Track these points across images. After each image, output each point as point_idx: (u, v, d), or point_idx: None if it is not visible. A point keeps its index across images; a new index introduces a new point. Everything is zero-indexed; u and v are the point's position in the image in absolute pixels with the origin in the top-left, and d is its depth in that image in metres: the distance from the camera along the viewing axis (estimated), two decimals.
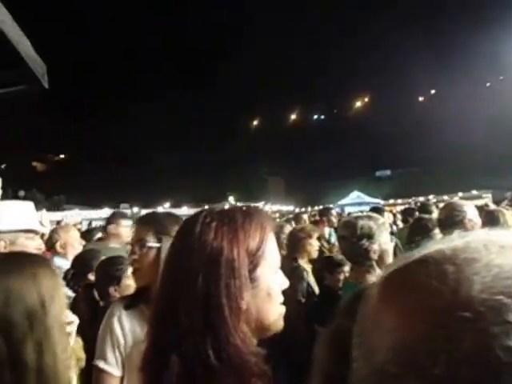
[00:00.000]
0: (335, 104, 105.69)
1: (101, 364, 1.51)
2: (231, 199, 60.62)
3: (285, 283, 0.94)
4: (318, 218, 7.37)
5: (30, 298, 1.04)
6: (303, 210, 26.80)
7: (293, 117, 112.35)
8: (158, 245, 1.54)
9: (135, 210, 35.66)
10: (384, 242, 2.08)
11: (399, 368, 0.35)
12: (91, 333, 2.01)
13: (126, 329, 1.53)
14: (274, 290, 0.90)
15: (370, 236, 2.07)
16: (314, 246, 3.85)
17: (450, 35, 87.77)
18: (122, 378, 1.53)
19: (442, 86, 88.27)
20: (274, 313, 0.91)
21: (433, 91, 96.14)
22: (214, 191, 67.30)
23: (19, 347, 0.99)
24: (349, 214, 10.28)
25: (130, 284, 2.63)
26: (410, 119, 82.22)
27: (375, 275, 2.03)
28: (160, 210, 35.95)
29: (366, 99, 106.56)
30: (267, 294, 0.89)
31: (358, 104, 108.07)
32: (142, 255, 1.54)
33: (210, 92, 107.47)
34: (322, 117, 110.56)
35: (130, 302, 1.59)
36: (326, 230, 6.04)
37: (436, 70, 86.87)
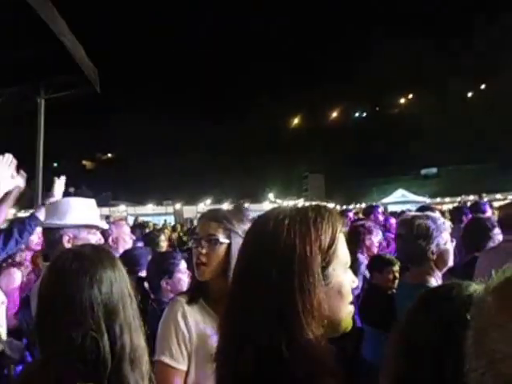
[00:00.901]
0: (377, 101, 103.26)
1: (166, 359, 1.53)
2: (271, 196, 60.72)
3: (355, 281, 0.93)
4: (361, 215, 7.25)
5: (123, 287, 1.18)
6: (350, 207, 26.23)
7: (334, 114, 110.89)
8: (228, 241, 1.57)
9: (177, 206, 36.53)
10: (443, 242, 2.01)
11: None
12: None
13: (189, 324, 1.56)
14: (345, 288, 0.90)
15: (427, 236, 2.00)
16: (373, 241, 3.86)
17: (500, 27, 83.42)
18: (186, 373, 1.55)
19: (492, 81, 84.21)
20: (345, 311, 0.90)
21: (483, 86, 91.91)
22: (253, 188, 67.68)
23: (119, 330, 1.12)
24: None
25: (181, 278, 2.70)
26: (458, 115, 79.11)
27: (435, 277, 1.97)
28: (201, 206, 36.66)
29: (410, 96, 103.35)
30: (338, 291, 0.88)
31: (402, 101, 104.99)
32: (211, 250, 1.56)
33: (250, 90, 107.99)
34: (364, 114, 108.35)
35: (191, 298, 1.62)
36: None
37: (486, 63, 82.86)
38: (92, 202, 2.33)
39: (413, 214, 2.18)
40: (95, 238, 2.20)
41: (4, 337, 2.39)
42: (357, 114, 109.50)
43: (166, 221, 19.39)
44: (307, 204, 0.95)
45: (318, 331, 0.83)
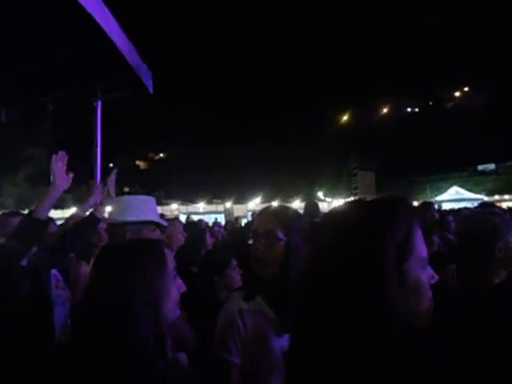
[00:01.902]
0: (430, 95, 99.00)
1: (225, 355, 1.57)
2: (320, 194, 60.08)
3: (434, 277, 0.90)
4: None
5: (133, 283, 1.14)
6: None
7: (385, 110, 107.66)
8: (286, 238, 1.58)
9: (228, 205, 36.97)
10: (511, 240, 1.89)
11: None
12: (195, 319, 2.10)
13: (246, 321, 1.58)
14: (423, 285, 0.87)
15: (493, 233, 1.88)
16: (435, 241, 3.81)
17: None
18: (241, 367, 1.58)
19: None
20: (422, 308, 0.87)
21: None
22: (303, 186, 67.18)
23: (129, 325, 1.09)
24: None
25: (232, 274, 2.74)
26: None
27: (500, 277, 1.86)
28: (251, 204, 36.88)
29: (466, 89, 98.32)
30: (415, 288, 0.85)
31: (457, 94, 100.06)
32: (269, 246, 1.57)
33: (300, 86, 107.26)
34: (416, 109, 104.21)
35: (248, 294, 1.63)
36: None
37: None
38: (152, 199, 2.42)
39: (476, 210, 2.07)
40: (155, 235, 2.28)
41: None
42: (409, 109, 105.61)
43: (216, 219, 19.71)
44: (380, 197, 0.91)
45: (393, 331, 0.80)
